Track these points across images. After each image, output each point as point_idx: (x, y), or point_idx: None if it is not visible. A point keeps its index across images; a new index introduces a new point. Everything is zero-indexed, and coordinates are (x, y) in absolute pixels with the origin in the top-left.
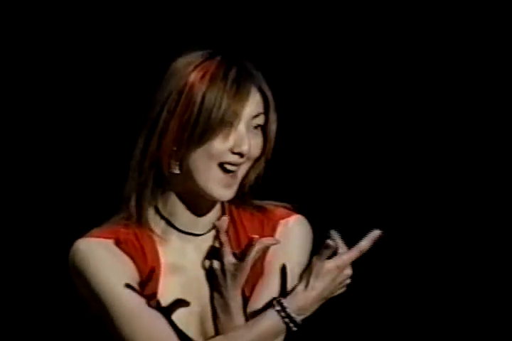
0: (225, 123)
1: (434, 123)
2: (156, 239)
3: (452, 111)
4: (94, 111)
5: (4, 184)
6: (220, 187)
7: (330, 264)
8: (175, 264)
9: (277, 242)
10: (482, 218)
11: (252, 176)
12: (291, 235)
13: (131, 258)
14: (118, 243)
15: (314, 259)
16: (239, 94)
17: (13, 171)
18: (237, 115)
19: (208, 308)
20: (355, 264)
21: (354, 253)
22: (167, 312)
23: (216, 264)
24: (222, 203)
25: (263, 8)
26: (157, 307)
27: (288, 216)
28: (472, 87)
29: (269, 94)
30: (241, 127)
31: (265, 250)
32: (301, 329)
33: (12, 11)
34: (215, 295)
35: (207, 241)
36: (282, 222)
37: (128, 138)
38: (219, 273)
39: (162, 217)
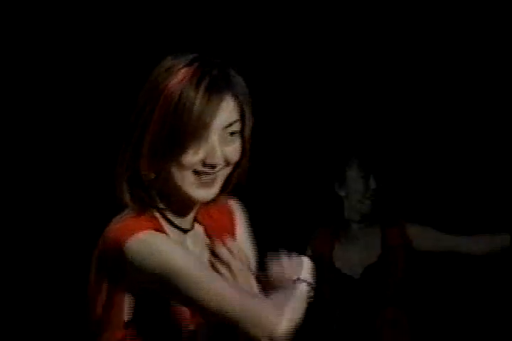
0: (195, 136)
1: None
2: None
3: (454, 111)
4: (98, 110)
5: (11, 186)
6: (198, 190)
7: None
8: None
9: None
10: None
11: (235, 178)
12: (241, 214)
13: None
14: (158, 231)
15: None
16: (209, 105)
17: (19, 174)
18: (207, 126)
19: None
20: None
21: None
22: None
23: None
24: None
25: (249, 11)
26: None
27: (228, 198)
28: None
29: (244, 100)
30: (213, 138)
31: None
32: None
33: (12, 11)
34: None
35: (197, 236)
36: (231, 203)
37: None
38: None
39: (162, 216)
